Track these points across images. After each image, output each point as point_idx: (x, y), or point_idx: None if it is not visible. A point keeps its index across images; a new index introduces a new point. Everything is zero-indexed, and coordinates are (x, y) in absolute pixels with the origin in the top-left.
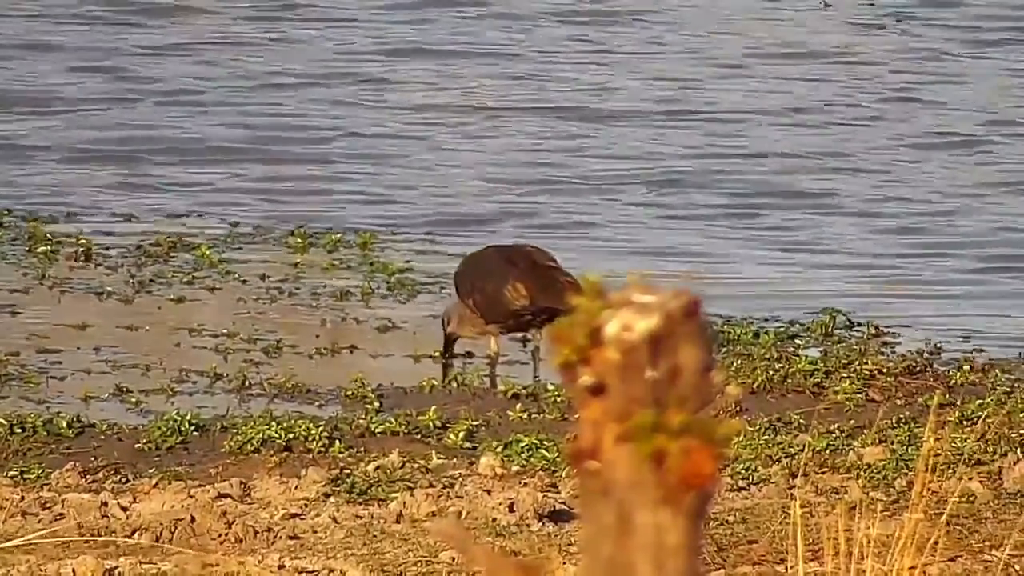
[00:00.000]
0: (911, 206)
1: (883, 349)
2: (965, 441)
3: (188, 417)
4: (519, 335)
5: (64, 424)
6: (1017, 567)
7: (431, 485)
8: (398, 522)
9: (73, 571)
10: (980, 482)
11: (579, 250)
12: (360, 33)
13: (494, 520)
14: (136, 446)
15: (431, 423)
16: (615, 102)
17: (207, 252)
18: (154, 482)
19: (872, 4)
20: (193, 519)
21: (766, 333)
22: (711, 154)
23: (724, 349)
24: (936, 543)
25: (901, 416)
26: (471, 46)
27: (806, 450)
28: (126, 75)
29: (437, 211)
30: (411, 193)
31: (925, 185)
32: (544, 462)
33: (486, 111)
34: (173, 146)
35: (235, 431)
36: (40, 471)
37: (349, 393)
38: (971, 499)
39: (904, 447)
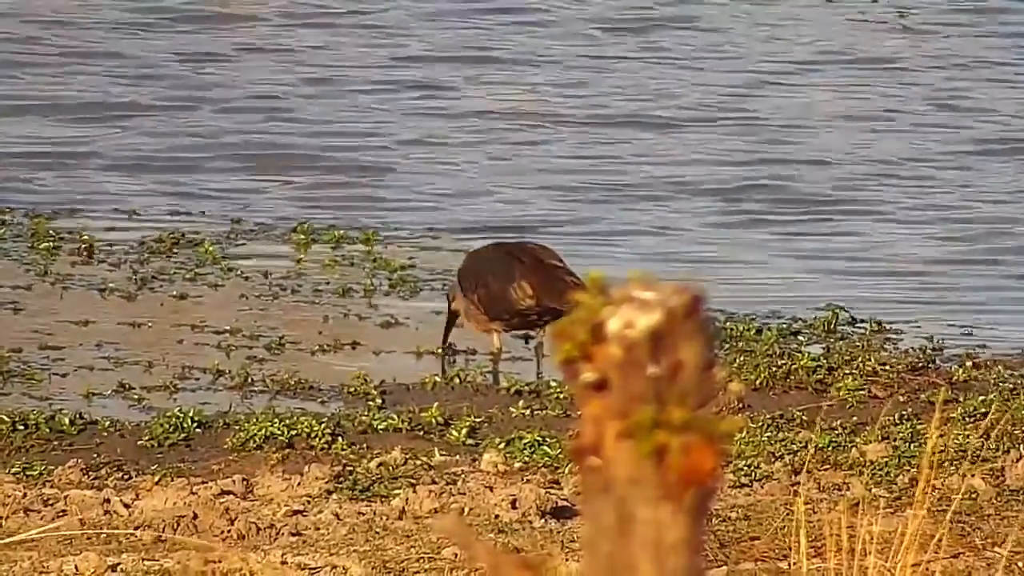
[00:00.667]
0: (956, 212)
1: (886, 346)
2: (968, 438)
3: (190, 414)
4: (521, 332)
5: (66, 421)
6: (1020, 564)
7: (433, 482)
8: (400, 519)
9: (76, 567)
10: (983, 479)
11: (629, 257)
12: (408, 40)
13: (496, 517)
14: (138, 443)
15: (433, 420)
16: (667, 110)
17: (210, 248)
18: (156, 479)
19: (875, 1)
20: (195, 516)
21: (768, 330)
22: (763, 161)
23: (726, 346)
24: (939, 540)
25: (904, 413)
26: (530, 54)
27: (809, 447)
28: (180, 82)
29: (493, 217)
30: (461, 199)
31: (973, 189)
32: (546, 459)
33: (541, 118)
34: (223, 153)
35: (237, 428)
36: (43, 468)
37: (351, 390)
38: (974, 496)
39: (907, 444)
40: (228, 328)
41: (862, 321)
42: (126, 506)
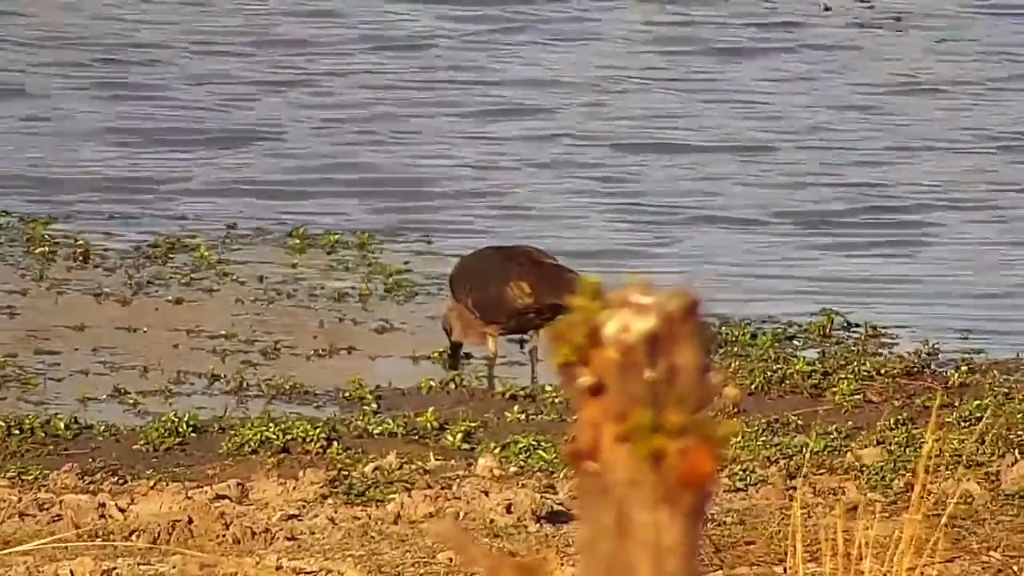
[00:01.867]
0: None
1: (881, 350)
2: (963, 442)
3: (186, 418)
4: (516, 336)
5: (62, 425)
6: (1015, 568)
7: (429, 486)
8: (396, 523)
9: (71, 572)
10: (978, 483)
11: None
12: (484, 66)
13: (492, 521)
14: (134, 447)
15: (429, 424)
16: (740, 137)
17: (205, 253)
18: (152, 483)
19: (872, 7)
20: (191, 520)
21: (763, 334)
22: (844, 188)
23: (722, 350)
24: (935, 544)
25: (899, 417)
26: (610, 81)
27: (804, 451)
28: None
29: (573, 246)
30: (538, 227)
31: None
32: (542, 463)
33: (620, 145)
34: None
35: (233, 432)
36: (38, 472)
37: (347, 394)
38: (969, 500)
39: (902, 448)
40: (223, 333)
41: (857, 326)
42: (121, 511)
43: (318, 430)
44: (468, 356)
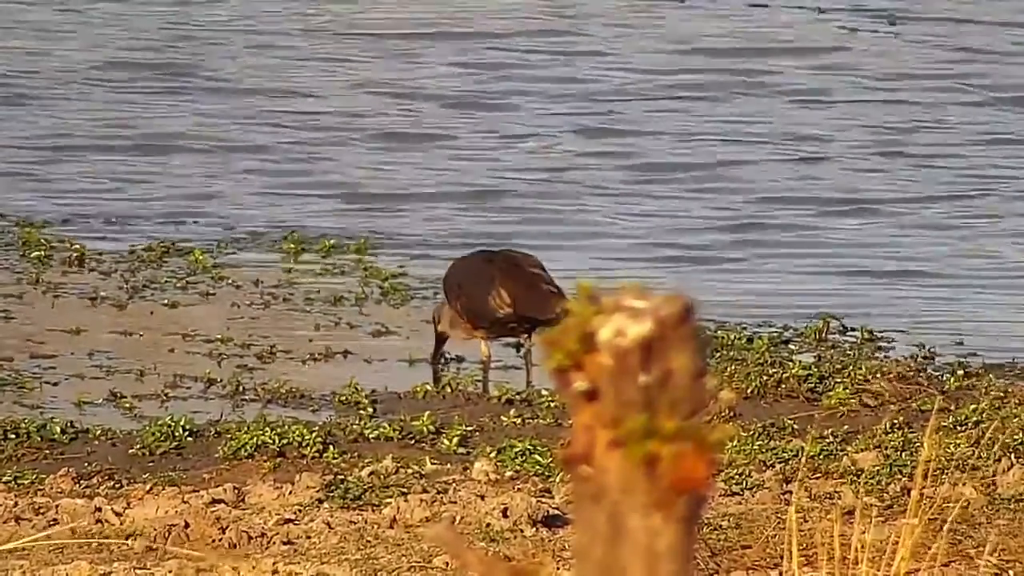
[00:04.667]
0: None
1: (876, 354)
2: (958, 446)
3: (182, 422)
4: (512, 340)
5: (58, 429)
6: (1011, 573)
7: (425, 490)
8: (392, 527)
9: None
10: (974, 487)
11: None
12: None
13: (488, 525)
14: (130, 451)
15: (425, 428)
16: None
17: (201, 257)
18: (148, 487)
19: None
20: (187, 524)
21: (759, 338)
22: None
23: (717, 354)
24: (931, 548)
25: (895, 421)
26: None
27: (800, 455)
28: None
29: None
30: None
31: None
32: (538, 467)
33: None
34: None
35: (229, 436)
36: (34, 476)
37: (343, 398)
38: (965, 504)
39: (898, 452)
40: (219, 337)
41: (853, 330)
42: (117, 515)
43: (314, 434)
44: (462, 360)
